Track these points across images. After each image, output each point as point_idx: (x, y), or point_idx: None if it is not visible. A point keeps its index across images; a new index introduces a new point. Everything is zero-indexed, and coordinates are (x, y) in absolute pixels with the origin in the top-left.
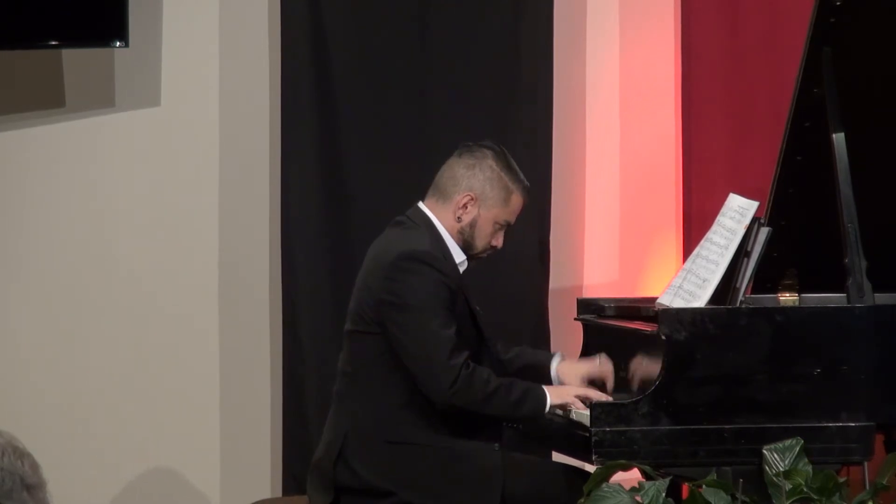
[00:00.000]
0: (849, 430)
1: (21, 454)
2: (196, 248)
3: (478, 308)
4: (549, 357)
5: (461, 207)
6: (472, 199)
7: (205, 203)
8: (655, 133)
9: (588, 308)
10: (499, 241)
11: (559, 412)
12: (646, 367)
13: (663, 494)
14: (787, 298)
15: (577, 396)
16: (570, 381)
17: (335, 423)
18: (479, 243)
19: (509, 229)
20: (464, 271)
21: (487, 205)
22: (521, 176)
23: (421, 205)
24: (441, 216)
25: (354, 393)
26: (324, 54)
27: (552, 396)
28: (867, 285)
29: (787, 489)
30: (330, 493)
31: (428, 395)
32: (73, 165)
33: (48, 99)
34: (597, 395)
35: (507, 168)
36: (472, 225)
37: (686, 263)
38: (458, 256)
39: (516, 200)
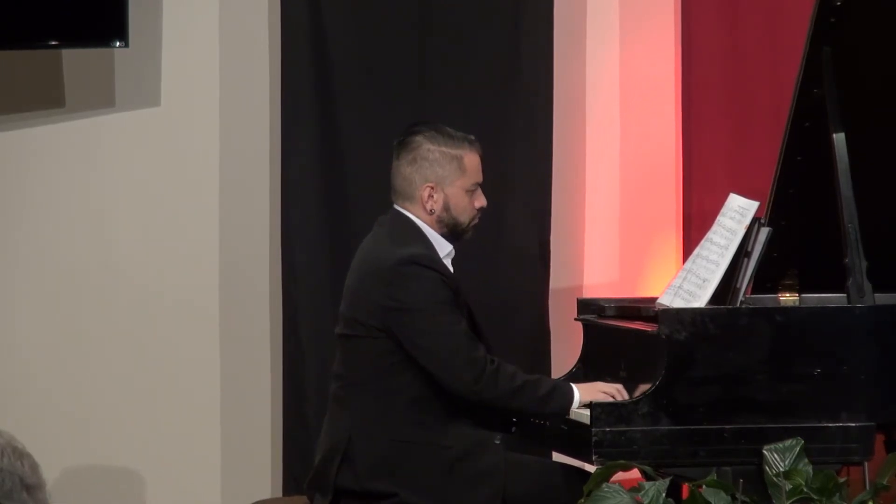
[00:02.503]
0: (849, 430)
1: (20, 454)
2: (196, 248)
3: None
4: None
5: (427, 199)
6: (432, 187)
7: (205, 203)
8: (655, 133)
9: (588, 308)
10: (481, 201)
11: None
12: (646, 367)
13: (663, 494)
14: (787, 298)
15: (606, 394)
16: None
17: (335, 427)
18: (464, 217)
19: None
20: (452, 260)
21: (448, 182)
22: (461, 134)
23: (397, 206)
24: (415, 213)
25: (354, 396)
26: (324, 54)
27: (581, 393)
28: (867, 285)
29: (787, 489)
30: (329, 495)
31: (454, 391)
32: (73, 165)
33: (48, 99)
34: (623, 395)
35: (444, 138)
36: (446, 207)
37: (686, 263)
38: (443, 250)
39: (470, 160)
